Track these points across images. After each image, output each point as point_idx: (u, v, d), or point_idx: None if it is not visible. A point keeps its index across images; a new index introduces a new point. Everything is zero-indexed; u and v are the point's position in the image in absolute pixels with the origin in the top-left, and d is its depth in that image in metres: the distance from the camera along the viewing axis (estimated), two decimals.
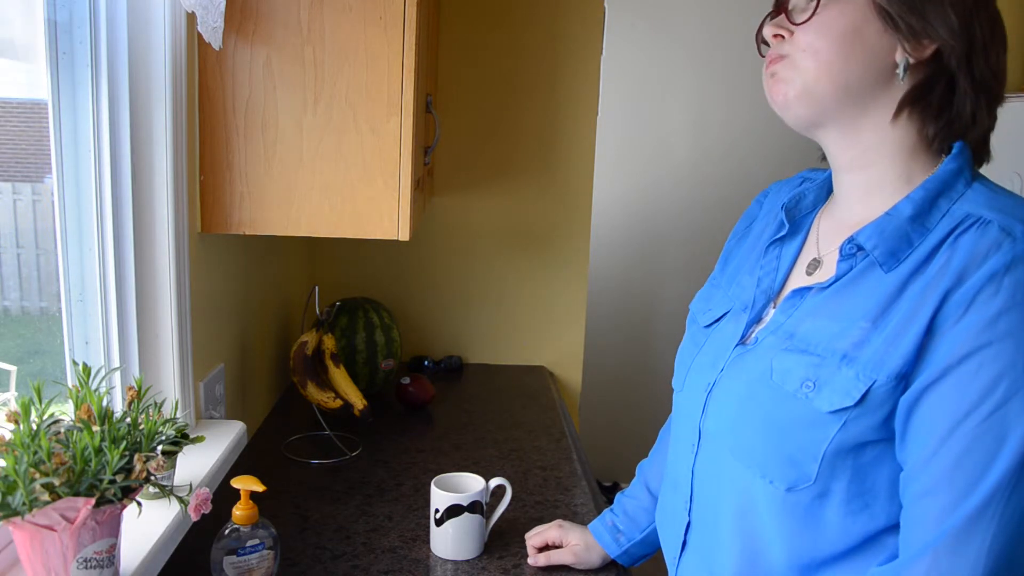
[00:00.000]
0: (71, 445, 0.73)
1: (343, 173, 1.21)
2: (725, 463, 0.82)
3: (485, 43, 2.04)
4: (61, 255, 1.01)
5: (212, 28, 1.06)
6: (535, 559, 1.13)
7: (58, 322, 1.02)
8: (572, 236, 2.16)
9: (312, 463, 1.46)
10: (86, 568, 0.75)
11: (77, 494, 0.71)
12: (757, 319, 0.85)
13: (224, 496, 1.00)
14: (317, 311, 1.56)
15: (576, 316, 2.20)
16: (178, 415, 1.02)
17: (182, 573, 1.05)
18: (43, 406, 0.74)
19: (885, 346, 0.70)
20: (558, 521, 1.17)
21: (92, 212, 1.01)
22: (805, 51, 0.76)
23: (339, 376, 1.53)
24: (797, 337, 0.77)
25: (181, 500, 0.82)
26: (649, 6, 3.06)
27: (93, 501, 0.71)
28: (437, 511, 1.13)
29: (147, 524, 0.91)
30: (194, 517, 0.82)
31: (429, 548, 1.16)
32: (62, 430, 0.76)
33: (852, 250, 0.76)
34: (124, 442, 0.76)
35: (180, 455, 0.96)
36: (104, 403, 0.78)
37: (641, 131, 3.15)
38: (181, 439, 0.88)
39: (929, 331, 0.68)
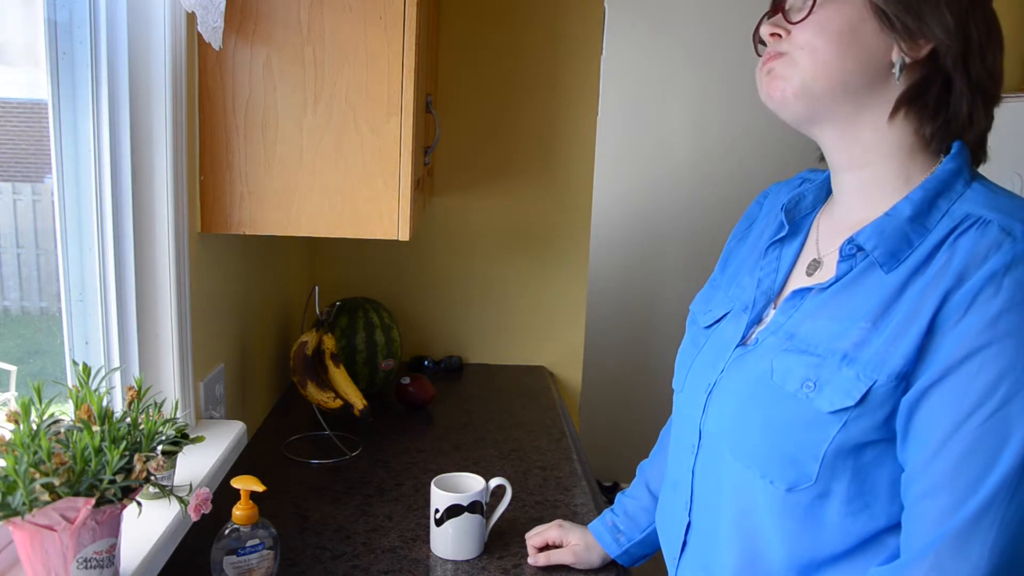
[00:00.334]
0: (71, 445, 0.73)
1: (343, 173, 1.21)
2: (725, 463, 0.82)
3: (485, 43, 2.04)
4: (61, 255, 1.01)
5: (212, 28, 1.06)
6: (535, 559, 1.13)
7: (58, 322, 1.02)
8: (572, 236, 2.16)
9: (312, 463, 1.46)
10: (86, 568, 0.75)
11: (77, 494, 0.71)
12: (757, 320, 0.85)
13: (224, 496, 1.00)
14: (317, 311, 1.56)
15: (576, 316, 2.20)
16: (178, 415, 1.02)
17: (182, 573, 1.05)
18: (43, 406, 0.74)
19: (885, 346, 0.70)
20: (558, 521, 1.17)
21: (92, 212, 1.01)
22: (803, 49, 0.76)
23: (339, 376, 1.53)
24: (797, 338, 0.77)
25: (181, 500, 0.82)
26: (649, 6, 3.06)
27: (93, 501, 0.71)
28: (437, 511, 1.13)
29: (147, 524, 0.91)
30: (194, 517, 0.82)
31: (429, 548, 1.16)
32: (62, 430, 0.76)
33: (852, 251, 0.76)
34: (124, 442, 0.76)
35: (180, 455, 0.96)
36: (104, 403, 0.78)
37: (641, 131, 3.15)
38: (181, 439, 0.88)
39: (930, 331, 0.68)
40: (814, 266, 0.83)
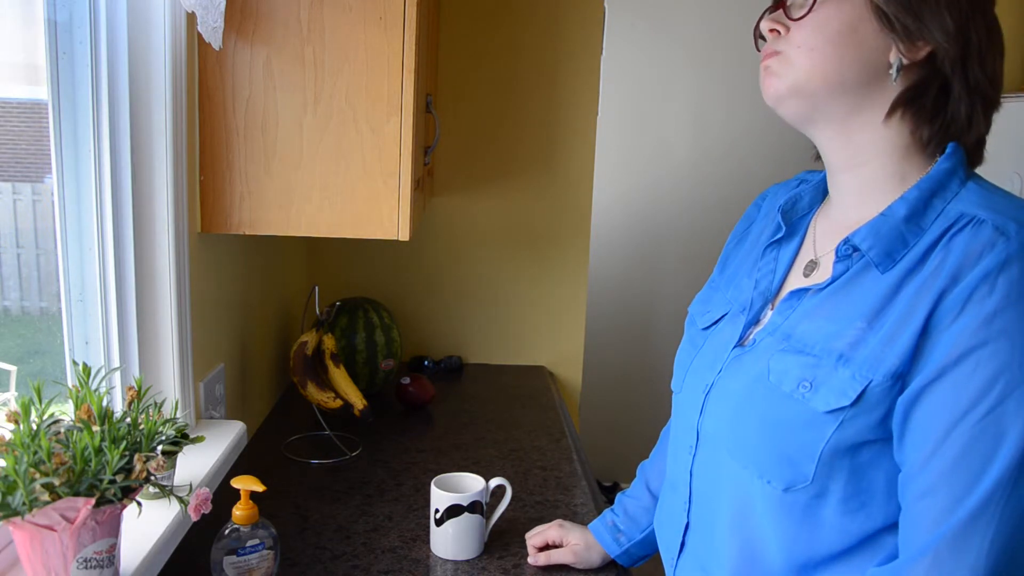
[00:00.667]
0: (71, 445, 0.73)
1: (343, 173, 1.21)
2: (723, 464, 0.82)
3: (485, 43, 2.04)
4: (61, 255, 1.01)
5: (212, 28, 1.06)
6: (535, 558, 1.13)
7: (58, 322, 1.02)
8: (572, 236, 2.16)
9: (312, 463, 1.46)
10: (86, 568, 0.75)
11: (77, 494, 0.71)
12: (755, 321, 0.85)
13: (224, 496, 1.00)
14: (317, 311, 1.56)
15: (576, 316, 2.20)
16: (178, 415, 1.02)
17: (182, 573, 1.05)
18: (43, 406, 0.74)
19: (881, 346, 0.70)
20: (558, 521, 1.17)
21: (92, 212, 1.01)
22: (799, 48, 0.76)
23: (339, 376, 1.53)
24: (794, 338, 0.77)
25: (181, 500, 0.82)
26: (649, 6, 3.06)
27: (93, 501, 0.71)
28: (437, 511, 1.13)
29: (147, 524, 0.91)
30: (194, 517, 0.82)
31: (429, 548, 1.16)
32: (62, 430, 0.76)
33: (848, 251, 0.76)
34: (124, 442, 0.76)
35: (180, 455, 0.96)
36: (104, 403, 0.78)
37: (641, 131, 3.15)
38: (181, 439, 0.88)
39: (925, 331, 0.68)
40: (811, 267, 0.83)
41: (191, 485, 0.94)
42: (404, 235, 1.23)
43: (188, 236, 1.15)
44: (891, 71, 0.74)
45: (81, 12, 0.97)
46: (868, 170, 0.78)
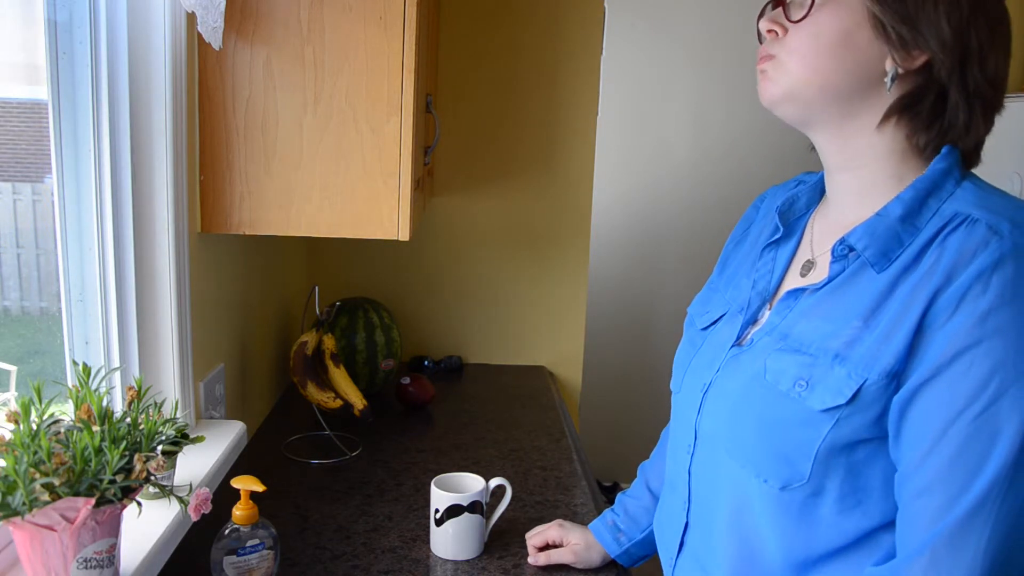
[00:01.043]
0: (71, 445, 0.73)
1: (343, 173, 1.21)
2: (721, 463, 0.82)
3: (485, 43, 2.04)
4: (61, 255, 1.01)
5: (212, 28, 1.06)
6: (535, 558, 1.13)
7: (58, 322, 1.02)
8: (572, 236, 2.16)
9: (312, 463, 1.46)
10: (86, 568, 0.75)
11: (77, 494, 0.71)
12: (753, 321, 0.86)
13: (224, 496, 1.00)
14: (317, 311, 1.56)
15: (576, 316, 2.20)
16: (178, 415, 1.02)
17: (182, 573, 1.05)
18: (43, 406, 0.74)
19: (876, 345, 0.71)
20: (558, 521, 1.17)
21: (92, 212, 1.01)
22: (793, 54, 0.76)
23: (339, 376, 1.53)
24: (791, 338, 0.78)
25: (181, 500, 0.82)
26: (649, 6, 3.06)
27: (93, 501, 0.71)
28: (437, 511, 1.13)
29: (147, 524, 0.91)
30: (194, 517, 0.82)
31: (429, 548, 1.16)
32: (62, 430, 0.76)
33: (844, 251, 0.77)
34: (124, 442, 0.76)
35: (180, 455, 0.96)
36: (104, 403, 0.78)
37: (641, 131, 3.15)
38: (181, 439, 0.88)
39: (919, 330, 0.69)
40: (808, 267, 0.84)
41: (191, 485, 0.94)
42: (404, 235, 1.23)
43: (188, 236, 1.15)
44: (886, 79, 0.74)
45: (81, 12, 0.97)
46: (865, 172, 0.79)
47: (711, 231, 3.13)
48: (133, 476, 0.74)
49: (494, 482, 1.18)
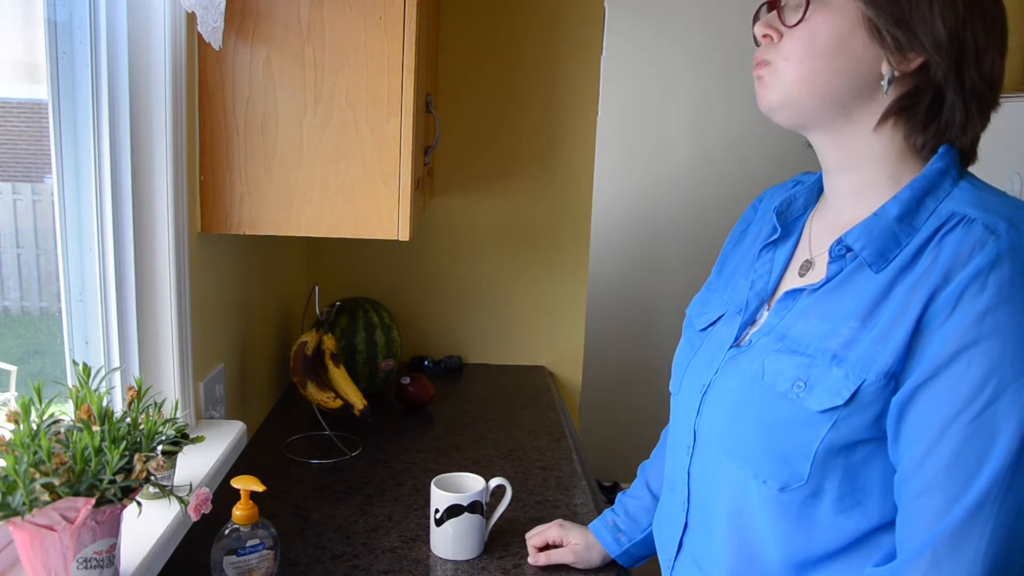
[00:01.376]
0: (71, 445, 0.73)
1: (343, 173, 1.21)
2: (720, 464, 0.82)
3: (485, 43, 2.04)
4: (61, 255, 1.01)
5: (212, 28, 1.06)
6: (535, 558, 1.13)
7: (58, 322, 1.02)
8: (572, 236, 2.16)
9: (312, 463, 1.46)
10: (86, 568, 0.75)
11: (77, 494, 0.71)
12: (751, 321, 0.86)
13: (224, 496, 1.00)
14: (317, 311, 1.56)
15: (576, 316, 2.20)
16: (178, 415, 1.02)
17: (182, 573, 1.05)
18: (43, 406, 0.74)
19: (874, 345, 0.71)
20: (558, 521, 1.17)
21: (92, 212, 1.01)
22: (788, 60, 0.76)
23: (339, 376, 1.53)
24: (789, 338, 0.78)
25: (181, 500, 0.82)
26: (649, 6, 3.06)
27: (93, 501, 0.71)
28: (437, 511, 1.13)
29: (147, 524, 0.91)
30: (194, 517, 0.82)
31: (429, 548, 1.16)
32: (62, 430, 0.76)
33: (841, 251, 0.77)
34: (124, 442, 0.76)
35: (180, 455, 0.96)
36: (104, 403, 0.78)
37: (641, 131, 3.15)
38: (181, 439, 0.88)
39: (917, 330, 0.69)
40: (806, 267, 0.84)
41: (191, 485, 0.94)
42: (404, 235, 1.23)
43: (188, 236, 1.15)
44: (882, 82, 0.74)
45: (81, 12, 0.97)
46: (863, 173, 0.79)
47: (711, 231, 3.13)
48: (133, 476, 0.74)
49: (494, 482, 1.18)
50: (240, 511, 0.93)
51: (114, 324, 1.06)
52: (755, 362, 0.79)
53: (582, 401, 2.36)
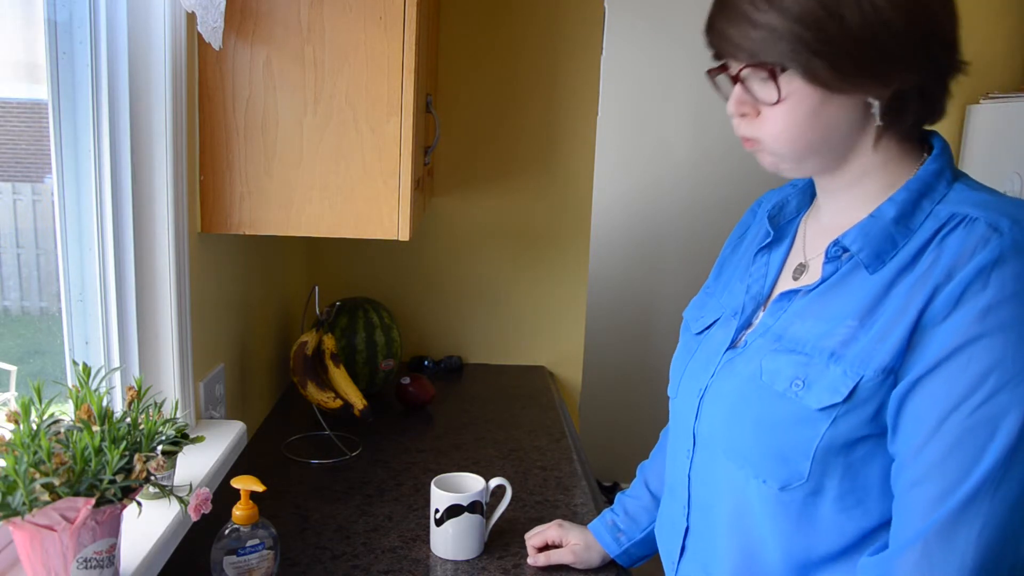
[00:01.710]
0: (71, 445, 0.73)
1: (343, 173, 1.21)
2: (720, 466, 0.82)
3: (485, 43, 2.04)
4: (61, 255, 1.01)
5: (212, 28, 1.06)
6: (535, 559, 1.13)
7: (58, 322, 1.02)
8: (572, 236, 2.16)
9: (312, 463, 1.46)
10: (86, 568, 0.75)
11: (77, 494, 0.71)
12: (747, 324, 0.86)
13: (224, 496, 1.00)
14: (317, 311, 1.56)
15: (576, 316, 2.20)
16: (178, 415, 1.02)
17: (182, 573, 1.05)
18: (43, 406, 0.74)
19: (873, 343, 0.71)
20: (558, 521, 1.17)
21: (92, 212, 1.01)
22: (778, 139, 0.76)
23: (339, 376, 1.53)
24: (786, 338, 0.78)
25: (181, 500, 0.82)
26: (649, 6, 3.06)
27: (93, 501, 0.71)
28: (437, 511, 1.13)
29: (147, 524, 0.91)
30: (194, 517, 0.82)
31: (429, 548, 1.16)
32: (62, 430, 0.76)
33: (838, 252, 0.77)
34: (124, 442, 0.76)
35: (180, 455, 0.96)
36: (104, 403, 0.78)
37: (641, 131, 3.15)
38: (181, 439, 0.88)
39: (918, 327, 0.69)
40: (800, 270, 0.84)
41: (191, 485, 0.94)
42: (404, 235, 1.23)
43: (188, 236, 1.15)
44: (873, 111, 0.74)
45: (81, 12, 0.97)
46: (861, 187, 0.79)
47: (711, 231, 3.13)
48: (133, 476, 0.74)
49: (494, 482, 1.18)
50: (240, 511, 0.93)
51: (114, 324, 1.06)
52: (752, 363, 0.80)
53: (582, 401, 2.36)
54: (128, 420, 0.79)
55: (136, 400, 0.82)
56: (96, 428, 0.74)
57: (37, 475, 0.70)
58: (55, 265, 1.01)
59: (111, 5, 1.00)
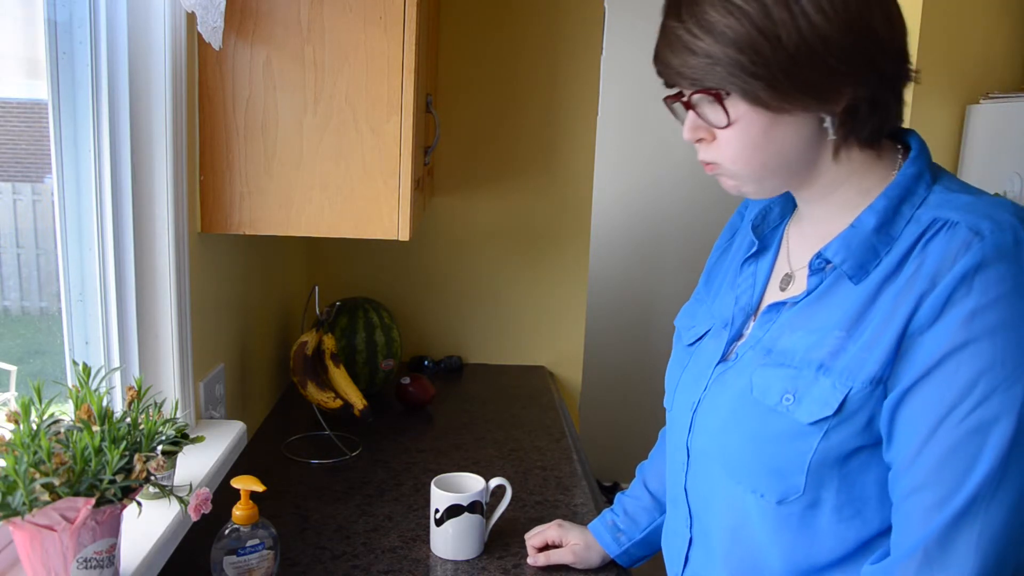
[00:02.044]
0: (71, 445, 0.73)
1: (343, 173, 1.21)
2: (717, 479, 0.82)
3: (485, 43, 2.04)
4: (61, 255, 1.01)
5: (212, 28, 1.06)
6: (535, 559, 1.13)
7: (58, 322, 1.02)
8: (572, 236, 2.16)
9: (312, 463, 1.46)
10: (86, 568, 0.75)
11: (77, 494, 0.71)
12: (738, 335, 0.86)
13: (224, 496, 1.00)
14: (317, 311, 1.56)
15: (576, 316, 2.20)
16: (178, 415, 1.02)
17: (182, 573, 1.05)
18: (43, 406, 0.74)
19: (861, 354, 0.71)
20: (557, 521, 1.17)
21: (92, 212, 1.01)
22: (735, 162, 0.76)
23: (339, 376, 1.53)
24: (775, 352, 0.78)
25: (181, 500, 0.82)
26: (649, 6, 3.06)
27: (93, 501, 0.71)
28: (437, 511, 1.13)
29: (147, 524, 0.91)
30: (194, 517, 0.82)
31: (429, 548, 1.16)
32: (62, 430, 0.76)
33: (821, 264, 0.77)
34: (124, 442, 0.76)
35: (180, 455, 0.96)
36: (104, 403, 0.78)
37: (641, 131, 3.15)
38: (181, 439, 0.88)
39: (905, 335, 0.69)
40: (787, 280, 0.84)
41: (191, 485, 0.94)
42: (404, 235, 1.23)
43: (188, 236, 1.15)
44: (825, 125, 0.73)
45: (81, 12, 0.97)
46: (835, 196, 0.79)
47: (711, 231, 3.13)
48: (133, 476, 0.74)
49: (494, 482, 1.18)
50: (240, 511, 0.93)
51: (114, 324, 1.06)
52: (743, 377, 0.80)
53: (582, 401, 2.36)
54: (128, 420, 0.79)
55: (136, 400, 0.82)
56: (96, 428, 0.74)
57: (37, 475, 0.70)
58: (55, 265, 1.01)
59: (111, 5, 1.00)
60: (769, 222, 0.90)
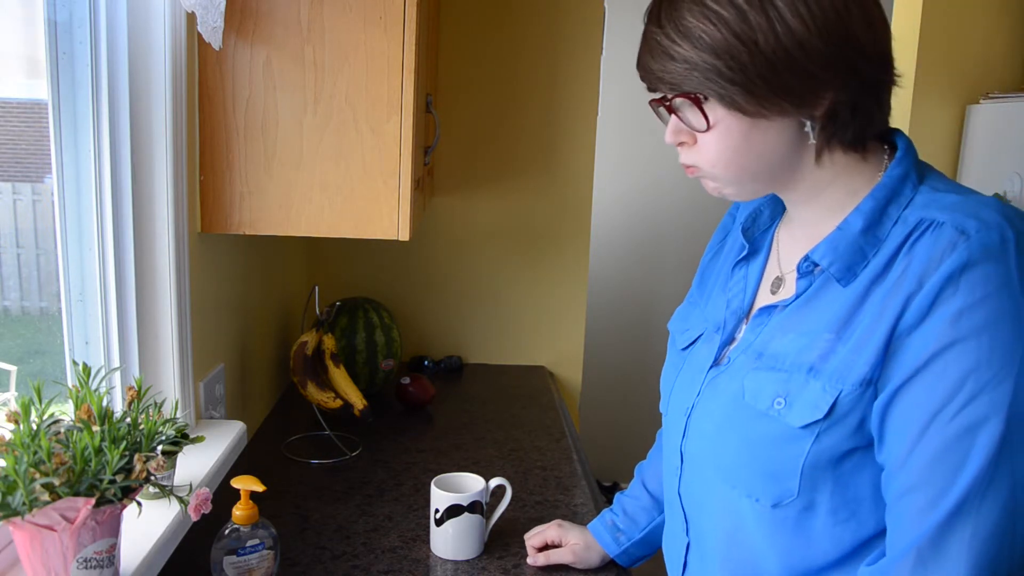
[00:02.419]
0: (71, 445, 0.73)
1: (343, 173, 1.21)
2: (712, 484, 0.83)
3: (485, 43, 2.04)
4: (61, 255, 1.01)
5: (212, 28, 1.06)
6: (535, 559, 1.13)
7: (58, 322, 1.02)
8: (572, 236, 2.16)
9: (312, 463, 1.46)
10: (86, 568, 0.75)
11: (77, 494, 0.71)
12: (730, 339, 0.86)
13: (224, 496, 1.00)
14: (317, 311, 1.56)
15: (576, 316, 2.20)
16: (178, 415, 1.02)
17: (182, 573, 1.05)
18: (43, 406, 0.74)
19: (850, 355, 0.71)
20: (557, 521, 1.17)
21: (92, 212, 1.01)
22: (715, 166, 0.76)
23: (339, 376, 1.53)
24: (766, 355, 0.78)
25: (181, 500, 0.82)
26: None
27: (93, 501, 0.71)
28: (437, 511, 1.13)
29: (147, 524, 0.91)
30: (194, 517, 0.82)
31: (429, 548, 1.16)
32: (62, 430, 0.76)
33: (809, 268, 0.77)
34: (124, 442, 0.76)
35: (180, 455, 0.96)
36: (104, 403, 0.78)
37: (641, 131, 3.15)
38: (181, 439, 0.88)
39: (894, 336, 0.69)
40: (777, 284, 0.84)
41: (191, 485, 0.94)
42: (404, 235, 1.23)
43: (188, 236, 1.15)
44: (806, 130, 0.73)
45: (81, 12, 0.97)
46: (821, 199, 0.79)
47: (711, 231, 3.12)
48: (133, 476, 0.74)
49: (494, 482, 1.18)
50: (240, 511, 0.93)
51: (114, 324, 1.06)
52: (735, 381, 0.80)
53: (582, 401, 2.36)
54: (128, 420, 0.79)
55: (136, 400, 0.82)
56: (96, 428, 0.74)
57: (37, 475, 0.70)
58: (55, 265, 1.01)
59: (111, 5, 1.00)
60: (759, 225, 0.90)
